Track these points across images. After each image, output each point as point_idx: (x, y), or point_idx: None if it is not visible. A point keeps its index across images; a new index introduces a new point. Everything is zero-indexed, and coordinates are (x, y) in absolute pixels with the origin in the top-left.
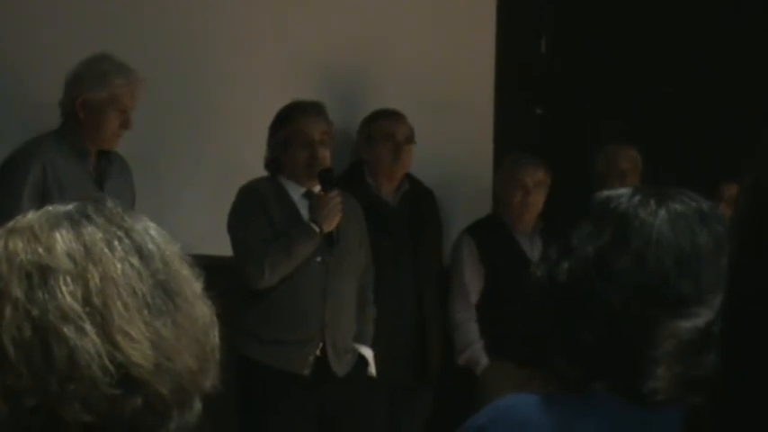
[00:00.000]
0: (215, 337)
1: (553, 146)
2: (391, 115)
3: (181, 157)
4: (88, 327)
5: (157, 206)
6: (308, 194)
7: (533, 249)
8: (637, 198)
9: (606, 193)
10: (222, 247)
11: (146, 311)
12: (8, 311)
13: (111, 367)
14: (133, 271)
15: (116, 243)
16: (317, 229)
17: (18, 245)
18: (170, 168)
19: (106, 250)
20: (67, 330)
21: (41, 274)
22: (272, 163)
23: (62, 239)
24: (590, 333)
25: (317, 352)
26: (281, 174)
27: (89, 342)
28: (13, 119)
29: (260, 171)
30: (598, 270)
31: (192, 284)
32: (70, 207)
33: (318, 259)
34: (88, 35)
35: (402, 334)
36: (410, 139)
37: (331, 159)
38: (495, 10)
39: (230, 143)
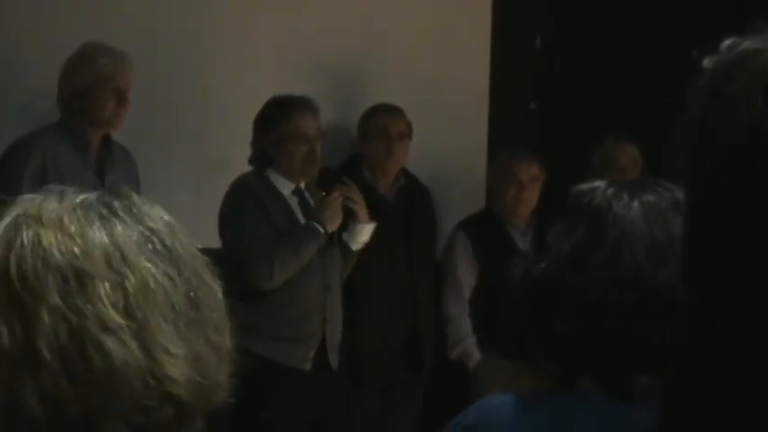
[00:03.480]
0: (228, 343)
1: (548, 141)
2: (388, 110)
3: (168, 150)
4: (129, 340)
5: (148, 198)
6: (297, 191)
7: (527, 244)
8: (610, 191)
9: (580, 187)
10: (210, 240)
11: (181, 324)
12: (44, 316)
13: (152, 383)
14: (169, 281)
15: (149, 247)
16: (322, 230)
17: (51, 241)
18: (157, 161)
19: (142, 258)
20: (110, 343)
21: (78, 278)
22: (261, 158)
23: (97, 241)
24: (566, 328)
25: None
26: (269, 169)
27: (131, 357)
28: (11, 108)
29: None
30: (573, 265)
31: (216, 293)
32: (94, 198)
33: (317, 257)
34: (85, 26)
35: (396, 328)
36: (404, 134)
37: (321, 155)
38: (491, 5)
39: (219, 137)
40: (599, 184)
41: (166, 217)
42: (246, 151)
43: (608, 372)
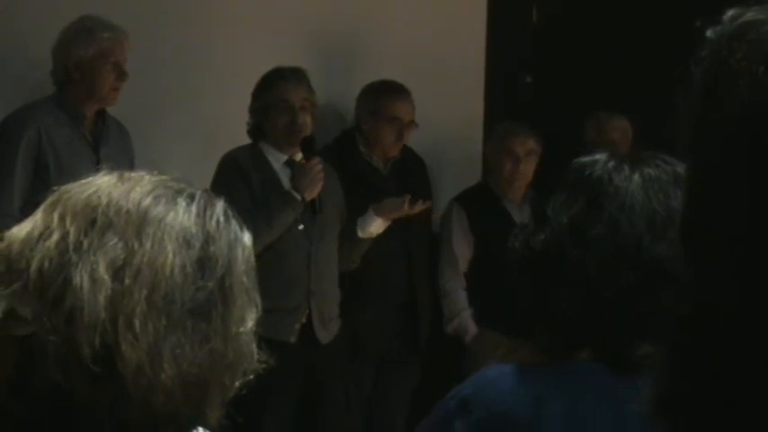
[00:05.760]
0: (232, 382)
1: (544, 115)
2: (398, 94)
3: (169, 122)
4: (101, 297)
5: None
6: (290, 162)
7: (523, 218)
8: (611, 164)
9: (582, 159)
10: None
11: (164, 319)
12: (52, 241)
13: (101, 349)
14: (181, 276)
15: (188, 241)
16: (299, 198)
17: (109, 191)
18: (158, 133)
19: (171, 243)
20: (85, 288)
21: (103, 226)
22: (255, 130)
23: (148, 210)
24: (567, 301)
25: (303, 319)
26: (263, 141)
27: (94, 311)
28: (5, 81)
29: (248, 137)
30: (573, 237)
31: (243, 323)
32: (197, 192)
33: (301, 227)
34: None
35: (392, 302)
36: (413, 120)
37: (313, 126)
38: None
39: (219, 109)
40: (600, 156)
41: (246, 241)
42: (241, 123)
43: (608, 343)
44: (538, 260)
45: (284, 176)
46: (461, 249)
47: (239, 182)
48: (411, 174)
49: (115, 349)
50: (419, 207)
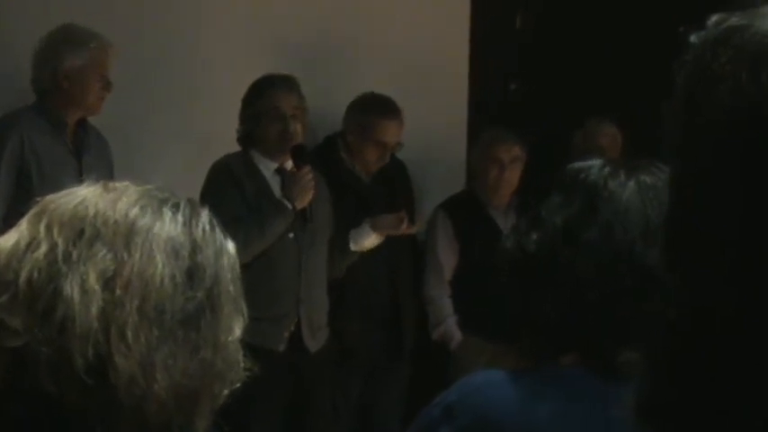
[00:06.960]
0: (221, 390)
1: (528, 122)
2: (389, 115)
3: (157, 130)
4: (93, 307)
5: (132, 179)
6: (280, 170)
7: (508, 225)
8: (607, 170)
9: (577, 164)
10: None
11: (156, 329)
12: (41, 250)
13: (94, 360)
14: (171, 285)
15: (177, 251)
16: (290, 207)
17: (95, 201)
18: (145, 141)
19: (161, 254)
20: (76, 300)
21: (91, 237)
22: (245, 137)
23: (135, 221)
24: (556, 303)
25: (292, 327)
26: (253, 148)
27: (86, 321)
28: None
29: (236, 144)
30: (566, 240)
31: (231, 331)
32: (181, 201)
33: (291, 236)
34: (60, 6)
35: (376, 309)
36: (400, 141)
37: (304, 134)
38: None
39: (207, 116)
40: (595, 161)
41: (230, 250)
42: (229, 131)
43: (592, 347)
44: (529, 260)
45: (275, 184)
46: (446, 256)
47: (232, 189)
48: (393, 179)
49: (108, 360)
50: (415, 228)
